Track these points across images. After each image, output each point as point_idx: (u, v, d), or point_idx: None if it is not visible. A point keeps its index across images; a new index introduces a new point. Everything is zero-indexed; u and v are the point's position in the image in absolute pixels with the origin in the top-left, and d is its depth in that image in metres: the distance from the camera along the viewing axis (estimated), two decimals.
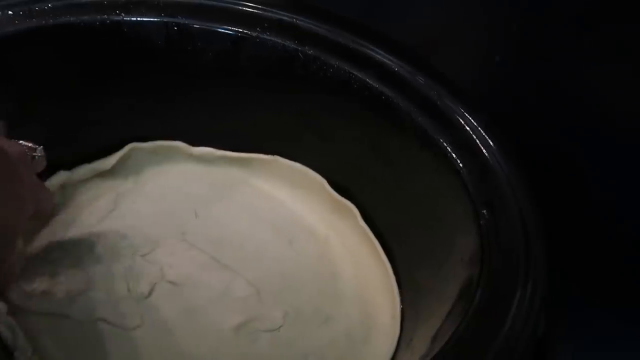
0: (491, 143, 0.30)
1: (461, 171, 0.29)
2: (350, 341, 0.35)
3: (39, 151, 0.33)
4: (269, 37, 0.36)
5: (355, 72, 0.35)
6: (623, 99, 0.29)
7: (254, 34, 0.36)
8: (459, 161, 0.30)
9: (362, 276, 0.38)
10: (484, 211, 0.27)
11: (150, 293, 0.35)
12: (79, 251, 0.37)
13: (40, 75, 0.35)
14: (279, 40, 0.36)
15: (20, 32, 0.32)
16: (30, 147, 0.33)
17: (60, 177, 0.39)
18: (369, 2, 0.42)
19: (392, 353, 0.34)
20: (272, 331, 0.35)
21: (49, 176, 0.38)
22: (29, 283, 0.34)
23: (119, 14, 0.36)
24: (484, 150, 0.29)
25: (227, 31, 0.37)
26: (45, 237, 0.37)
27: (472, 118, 0.31)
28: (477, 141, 0.30)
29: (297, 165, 0.42)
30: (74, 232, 0.38)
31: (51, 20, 0.34)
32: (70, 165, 0.40)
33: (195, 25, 0.37)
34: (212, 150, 0.43)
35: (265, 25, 0.36)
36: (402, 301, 0.36)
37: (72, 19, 0.35)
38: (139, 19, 0.36)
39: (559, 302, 0.28)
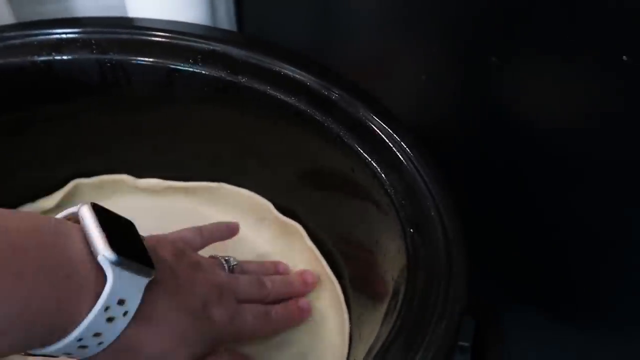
0: (417, 162, 0.30)
1: (389, 191, 0.30)
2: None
3: (233, 260, 0.35)
4: (201, 68, 0.37)
5: (286, 99, 0.35)
6: (548, 110, 0.30)
7: (187, 66, 0.37)
8: (387, 182, 0.30)
9: (313, 296, 0.39)
10: (410, 229, 0.28)
11: None
12: None
13: None
14: (212, 71, 0.37)
15: None
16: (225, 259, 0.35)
17: None
18: (312, 32, 0.43)
19: None
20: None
21: None
22: None
23: (50, 54, 0.36)
24: (410, 170, 0.30)
25: (159, 65, 0.37)
26: None
27: (399, 138, 0.32)
28: (404, 161, 0.31)
29: (243, 190, 0.42)
30: None
31: None
32: (14, 205, 0.40)
33: (128, 61, 0.37)
34: (159, 182, 0.43)
35: (198, 56, 0.37)
36: (351, 320, 0.36)
37: (0, 61, 0.35)
38: (70, 57, 0.36)
39: (486, 308, 0.28)
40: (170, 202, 0.44)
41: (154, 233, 0.41)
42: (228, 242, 0.41)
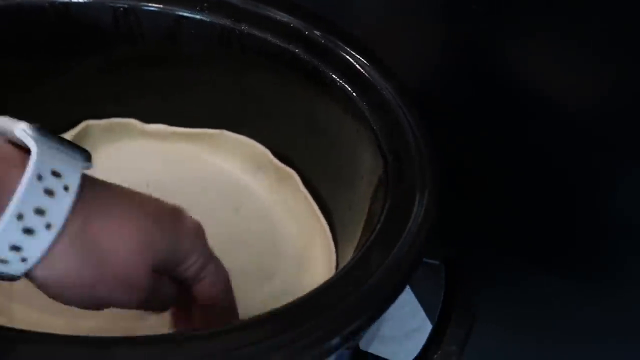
0: (401, 103, 0.33)
1: (375, 127, 0.32)
2: (291, 295, 0.37)
3: None
4: (206, 17, 0.39)
5: (285, 46, 0.37)
6: (555, 87, 0.32)
7: (194, 14, 0.39)
8: (374, 118, 0.33)
9: (303, 235, 0.41)
10: (391, 157, 0.30)
11: None
12: None
13: None
14: (218, 20, 0.39)
15: None
16: None
17: None
18: None
19: None
20: None
21: None
22: None
23: None
24: (394, 109, 0.33)
25: (168, 12, 0.39)
26: None
27: (387, 82, 0.34)
28: (390, 102, 0.33)
29: (243, 137, 0.45)
30: None
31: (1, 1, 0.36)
32: None
33: (140, 7, 0.39)
34: (164, 127, 0.46)
35: (205, 4, 0.39)
36: (337, 254, 0.38)
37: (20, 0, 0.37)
38: (86, 1, 0.38)
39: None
40: (174, 147, 0.46)
41: (154, 175, 0.44)
42: (229, 189, 0.44)
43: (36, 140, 0.21)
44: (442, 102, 0.38)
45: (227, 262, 0.38)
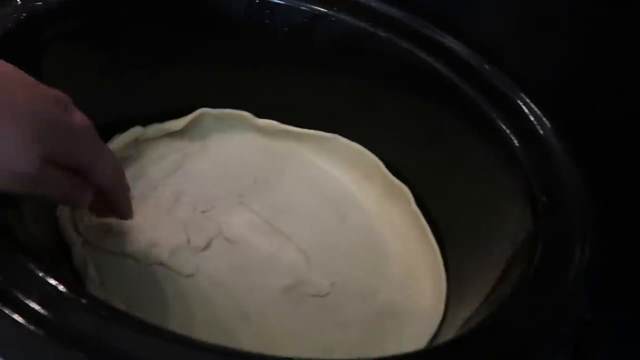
0: (553, 132, 0.30)
1: (521, 157, 0.30)
2: (393, 319, 0.36)
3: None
4: (344, 17, 0.38)
5: (424, 57, 0.35)
6: None
7: (331, 12, 0.38)
8: (519, 147, 0.30)
9: (410, 258, 0.39)
10: (543, 197, 0.28)
11: (207, 246, 0.37)
12: (145, 201, 0.39)
13: (127, 36, 0.38)
14: (353, 20, 0.38)
15: None
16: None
17: (135, 132, 0.42)
18: None
19: (433, 334, 0.34)
20: (319, 297, 0.36)
21: (125, 130, 0.41)
22: (98, 223, 0.37)
23: None
24: (545, 139, 0.30)
25: (305, 7, 0.38)
26: None
27: (538, 108, 0.31)
28: (539, 130, 0.30)
29: (355, 145, 0.43)
30: (141, 184, 0.40)
31: None
32: (144, 123, 0.43)
33: (275, 1, 0.38)
34: (275, 124, 0.45)
35: (342, 4, 0.38)
36: (448, 285, 0.36)
37: None
38: None
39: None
40: (282, 144, 0.45)
41: (261, 171, 0.44)
42: (335, 196, 0.42)
43: None
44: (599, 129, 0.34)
45: (329, 272, 0.37)
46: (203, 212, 0.39)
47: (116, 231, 0.36)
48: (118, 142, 0.40)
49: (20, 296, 0.19)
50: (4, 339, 0.19)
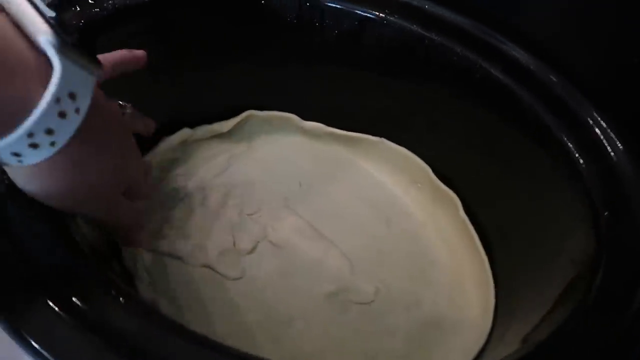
0: (621, 148, 0.28)
1: (583, 172, 0.28)
2: (438, 329, 0.35)
3: (129, 108, 0.33)
4: (395, 20, 0.37)
5: (479, 62, 0.34)
6: None
7: (381, 16, 0.37)
8: (581, 162, 0.29)
9: (456, 266, 0.38)
10: (606, 213, 0.26)
11: (252, 250, 0.37)
12: (192, 202, 0.40)
13: (178, 41, 0.38)
14: (405, 24, 0.37)
15: None
16: (121, 104, 0.32)
17: (184, 133, 0.42)
18: None
19: (481, 347, 0.33)
20: (363, 304, 0.36)
21: (174, 131, 0.42)
22: (147, 224, 0.38)
23: None
24: (612, 155, 0.28)
25: (355, 11, 0.38)
26: (165, 186, 0.41)
27: (601, 119, 0.30)
28: (606, 145, 0.29)
29: (403, 149, 0.43)
30: (190, 185, 0.41)
31: None
32: (193, 124, 0.43)
33: (326, 3, 0.38)
34: (322, 126, 0.45)
35: (393, 7, 0.37)
36: (496, 297, 0.35)
37: None
38: None
39: None
40: (329, 148, 0.45)
41: (307, 174, 0.43)
42: (381, 201, 0.42)
43: (60, 57, 0.21)
44: None
45: (374, 279, 0.37)
46: (249, 215, 0.40)
47: (165, 233, 0.37)
48: (167, 144, 0.41)
49: (65, 292, 0.20)
50: (49, 332, 0.19)
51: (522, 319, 0.30)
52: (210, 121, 0.44)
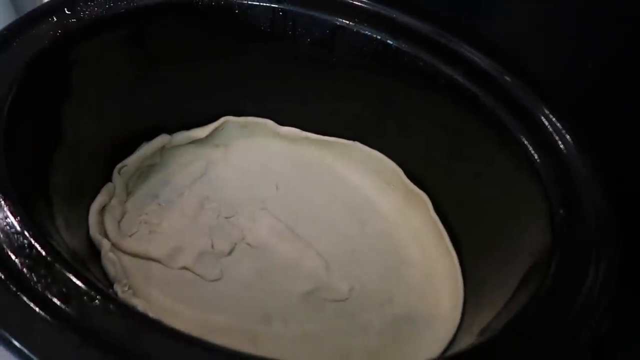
0: (573, 146, 0.30)
1: (540, 171, 0.30)
2: (411, 324, 0.37)
3: None
4: (365, 28, 0.38)
5: (443, 69, 0.36)
6: None
7: (352, 24, 0.39)
8: (539, 161, 0.31)
9: (428, 264, 0.40)
10: (561, 210, 0.28)
11: (230, 252, 0.38)
12: (171, 207, 0.41)
13: (155, 50, 0.39)
14: (375, 33, 0.38)
15: (149, 6, 0.36)
16: None
17: (162, 139, 0.43)
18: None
19: (450, 339, 0.35)
20: (338, 302, 0.37)
21: (152, 137, 0.43)
22: (126, 228, 0.38)
23: None
24: (566, 153, 0.30)
25: (327, 19, 0.39)
26: (143, 192, 0.41)
27: (557, 120, 0.32)
28: (560, 143, 0.31)
29: (375, 152, 0.44)
30: (168, 190, 0.42)
31: None
32: (171, 131, 0.44)
33: (299, 12, 0.39)
34: (297, 131, 0.46)
35: (363, 16, 0.39)
36: (465, 291, 0.37)
37: None
38: (250, 2, 0.39)
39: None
40: (304, 151, 0.46)
41: (283, 177, 0.45)
42: (355, 202, 0.43)
43: None
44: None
45: (348, 278, 0.38)
46: (227, 218, 0.41)
47: (144, 236, 0.38)
48: (146, 150, 0.42)
49: (47, 294, 0.21)
50: (30, 331, 0.20)
51: (487, 309, 0.31)
52: (187, 127, 0.45)
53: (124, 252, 0.37)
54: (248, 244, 0.39)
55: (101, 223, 0.37)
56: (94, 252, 0.35)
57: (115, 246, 0.36)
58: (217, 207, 0.41)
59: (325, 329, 0.36)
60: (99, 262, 0.34)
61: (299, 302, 0.37)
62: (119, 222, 0.38)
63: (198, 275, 0.37)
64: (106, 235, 0.37)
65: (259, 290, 0.37)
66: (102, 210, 0.38)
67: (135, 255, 0.37)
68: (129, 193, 0.41)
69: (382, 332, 0.36)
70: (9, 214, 0.23)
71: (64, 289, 0.21)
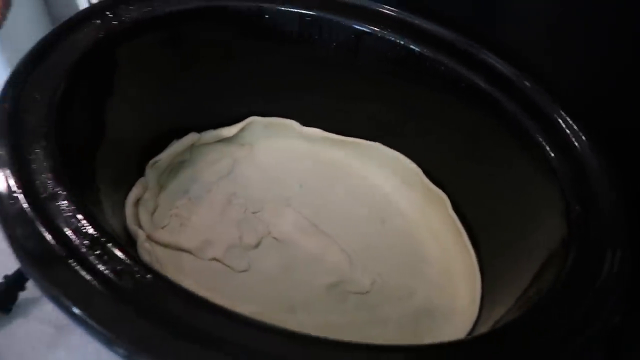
0: (588, 146, 0.32)
1: (557, 170, 0.32)
2: (430, 318, 0.38)
3: None
4: (388, 34, 0.40)
5: (465, 73, 0.38)
6: None
7: (376, 30, 0.40)
8: (556, 160, 0.32)
9: (446, 261, 0.41)
10: (577, 207, 0.29)
11: (257, 245, 0.40)
12: (200, 202, 0.43)
13: (188, 54, 0.41)
14: (398, 39, 0.40)
15: (186, 9, 0.39)
16: None
17: (192, 137, 0.45)
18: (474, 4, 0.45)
19: (467, 333, 0.36)
20: (360, 294, 0.38)
21: (183, 136, 0.45)
22: (158, 220, 0.40)
23: (264, 2, 0.41)
24: (581, 152, 0.32)
25: (352, 25, 0.41)
26: (174, 187, 0.43)
27: (573, 122, 0.33)
28: (576, 144, 0.32)
29: (396, 153, 0.46)
30: (197, 187, 0.44)
31: (208, 3, 0.40)
32: (200, 129, 0.46)
33: (326, 18, 0.41)
34: (320, 132, 0.48)
35: (387, 23, 0.41)
36: (483, 287, 0.38)
37: (223, 3, 0.41)
38: (279, 8, 0.41)
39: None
40: (326, 151, 0.48)
41: (306, 176, 0.46)
42: (376, 202, 0.45)
43: None
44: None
45: (370, 272, 0.40)
46: (253, 213, 0.42)
47: (176, 229, 0.40)
48: (176, 147, 0.44)
49: (103, 270, 0.23)
50: (90, 303, 0.22)
51: (503, 304, 0.33)
52: (216, 126, 0.47)
53: (157, 242, 0.39)
54: (274, 238, 0.41)
55: (136, 215, 0.39)
56: (130, 241, 0.37)
57: (149, 237, 0.38)
58: (243, 203, 0.43)
59: (347, 320, 0.37)
60: (134, 252, 0.36)
61: (322, 294, 0.38)
62: (152, 214, 0.40)
63: (228, 266, 0.38)
64: (140, 227, 0.39)
65: (284, 282, 0.38)
66: (137, 203, 0.40)
67: (167, 246, 0.39)
68: (160, 187, 0.43)
69: (401, 325, 0.37)
70: (67, 201, 0.25)
71: (118, 267, 0.23)
